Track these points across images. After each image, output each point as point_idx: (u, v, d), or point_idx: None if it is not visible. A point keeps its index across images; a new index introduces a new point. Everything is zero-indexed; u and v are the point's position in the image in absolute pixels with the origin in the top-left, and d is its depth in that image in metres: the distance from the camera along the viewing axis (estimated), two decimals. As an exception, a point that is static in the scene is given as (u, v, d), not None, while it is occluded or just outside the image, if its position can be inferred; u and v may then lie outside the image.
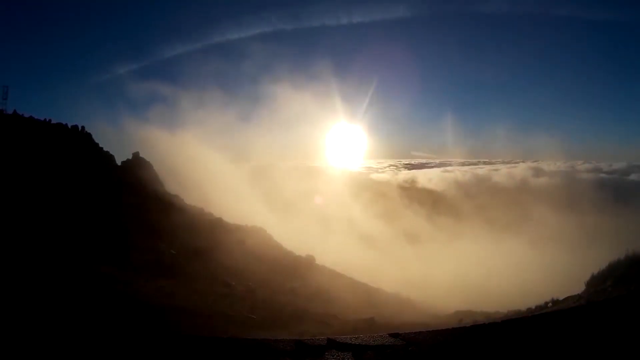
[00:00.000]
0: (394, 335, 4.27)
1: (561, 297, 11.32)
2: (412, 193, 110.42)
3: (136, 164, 36.36)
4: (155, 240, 22.53)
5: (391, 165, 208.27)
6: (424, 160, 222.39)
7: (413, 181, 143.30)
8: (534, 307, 11.71)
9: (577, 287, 11.85)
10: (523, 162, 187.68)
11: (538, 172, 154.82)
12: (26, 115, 33.42)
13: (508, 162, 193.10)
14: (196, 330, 9.72)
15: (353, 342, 4.08)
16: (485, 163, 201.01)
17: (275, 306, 15.98)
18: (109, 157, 34.38)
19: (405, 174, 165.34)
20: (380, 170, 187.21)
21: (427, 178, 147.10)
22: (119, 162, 35.38)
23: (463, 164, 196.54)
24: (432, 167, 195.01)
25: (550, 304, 11.13)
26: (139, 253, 19.51)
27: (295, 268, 27.78)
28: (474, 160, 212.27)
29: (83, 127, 34.75)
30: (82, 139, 33.85)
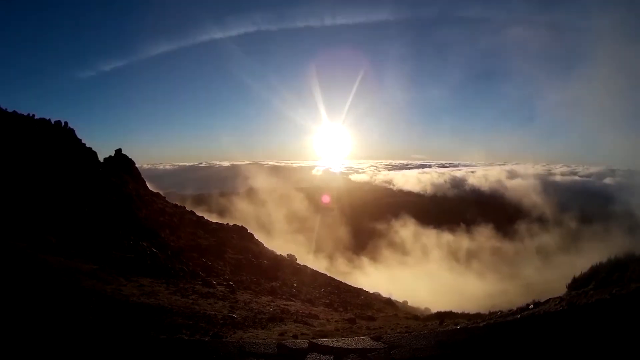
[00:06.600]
0: (376, 339, 4.25)
1: (543, 299, 11.40)
2: (387, 194, 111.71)
3: (118, 161, 36.15)
4: (137, 238, 22.30)
5: (372, 165, 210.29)
6: (404, 161, 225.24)
7: (390, 182, 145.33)
8: (515, 309, 11.79)
9: (558, 289, 11.93)
10: (501, 164, 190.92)
11: (512, 174, 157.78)
12: (9, 110, 32.95)
13: (489, 165, 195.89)
14: (177, 329, 9.60)
15: (334, 345, 4.05)
16: (465, 165, 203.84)
17: (256, 306, 15.88)
18: (92, 154, 33.97)
19: (384, 175, 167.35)
20: (360, 171, 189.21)
21: (404, 179, 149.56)
22: (101, 159, 35.02)
23: (443, 165, 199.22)
24: (412, 168, 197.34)
25: (532, 306, 11.22)
26: (120, 251, 19.30)
27: (277, 267, 27.73)
28: (455, 162, 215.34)
29: (66, 123, 34.43)
30: (65, 135, 33.45)
